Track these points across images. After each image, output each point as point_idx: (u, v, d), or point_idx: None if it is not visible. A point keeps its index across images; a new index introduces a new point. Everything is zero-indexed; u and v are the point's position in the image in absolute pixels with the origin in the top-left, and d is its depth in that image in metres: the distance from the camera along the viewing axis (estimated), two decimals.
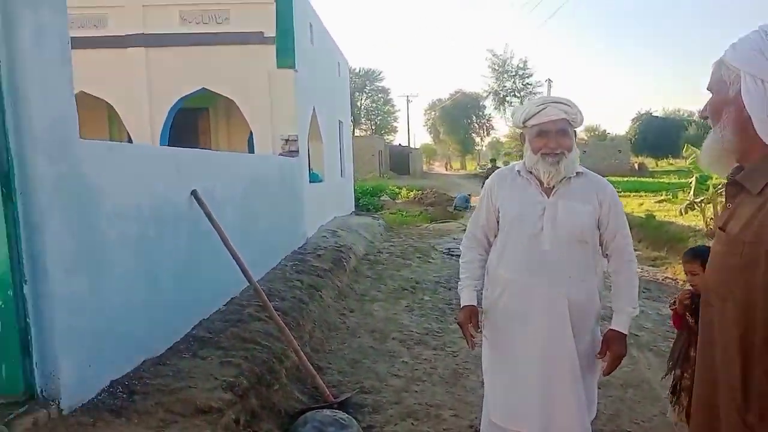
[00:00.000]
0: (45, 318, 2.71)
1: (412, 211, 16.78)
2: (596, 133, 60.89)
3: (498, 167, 14.11)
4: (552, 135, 2.27)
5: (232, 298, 5.02)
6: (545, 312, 2.29)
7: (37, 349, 2.69)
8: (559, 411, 2.30)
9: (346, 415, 3.42)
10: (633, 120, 53.05)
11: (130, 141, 10.08)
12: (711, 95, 1.39)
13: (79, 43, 8.34)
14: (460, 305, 2.54)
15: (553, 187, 2.31)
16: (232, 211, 5.28)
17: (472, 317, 2.44)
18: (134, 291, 3.49)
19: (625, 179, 31.71)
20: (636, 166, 42.81)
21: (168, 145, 9.79)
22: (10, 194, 2.63)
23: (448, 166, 67.28)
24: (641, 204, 16.35)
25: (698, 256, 2.63)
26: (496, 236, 2.48)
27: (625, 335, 2.36)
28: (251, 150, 10.16)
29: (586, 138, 57.53)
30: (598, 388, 4.03)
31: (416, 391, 4.06)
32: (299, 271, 6.36)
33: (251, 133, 9.69)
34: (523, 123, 2.34)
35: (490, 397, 2.53)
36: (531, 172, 2.36)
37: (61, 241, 2.81)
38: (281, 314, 4.52)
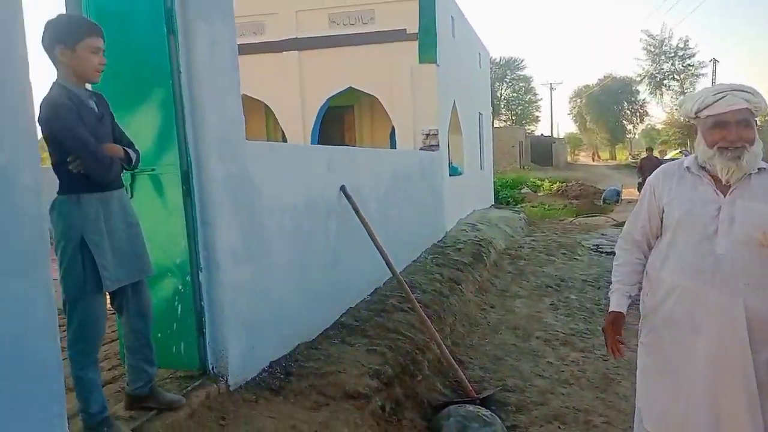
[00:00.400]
0: (216, 302, 3.03)
1: (555, 205, 16.14)
2: None
3: (655, 157, 12.77)
4: (732, 126, 2.03)
5: (376, 289, 5.22)
6: (716, 322, 2.06)
7: (209, 329, 3.03)
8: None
9: (489, 412, 3.41)
10: None
11: (284, 139, 10.86)
12: None
13: (241, 49, 9.14)
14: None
15: (730, 185, 2.07)
16: (376, 205, 5.47)
17: (617, 324, 2.29)
18: (290, 279, 3.76)
19: None
20: None
21: (317, 142, 10.40)
22: (190, 191, 2.96)
23: (596, 157, 63.47)
24: None
25: None
26: (658, 238, 2.29)
27: None
28: (393, 145, 10.42)
29: (760, 124, 51.23)
30: None
31: (563, 394, 3.92)
32: (439, 264, 6.43)
33: (393, 128, 9.94)
34: (696, 114, 2.11)
35: (645, 406, 2.36)
36: (704, 168, 2.13)
37: (230, 233, 3.12)
38: (422, 306, 4.61)
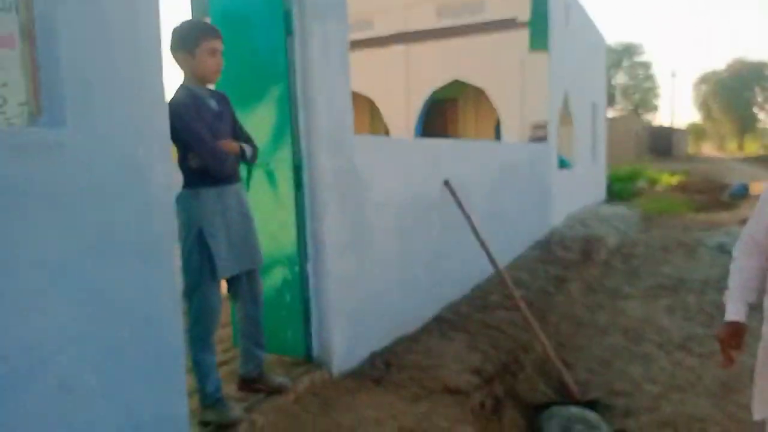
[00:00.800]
0: (322, 292, 3.17)
1: (674, 200, 15.01)
2: None
3: None
4: None
5: (477, 284, 5.17)
6: None
7: (315, 318, 3.17)
8: None
9: (595, 416, 3.28)
10: None
11: (387, 133, 11.03)
12: None
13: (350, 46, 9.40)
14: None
15: None
16: (480, 199, 5.42)
17: (738, 336, 2.11)
18: (392, 273, 3.84)
19: None
20: None
21: (420, 135, 10.45)
22: (300, 185, 3.11)
23: (722, 148, 58.35)
24: None
25: None
26: None
27: None
28: (498, 137, 10.24)
29: None
30: None
31: (676, 400, 3.69)
32: (544, 261, 6.25)
33: (498, 120, 9.76)
34: None
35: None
36: None
37: (337, 226, 3.24)
38: (526, 304, 4.51)
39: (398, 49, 10.55)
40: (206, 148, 2.44)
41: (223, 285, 2.65)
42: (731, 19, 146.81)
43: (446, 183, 4.70)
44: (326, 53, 3.17)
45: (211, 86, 2.67)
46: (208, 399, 2.49)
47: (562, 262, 6.35)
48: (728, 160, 34.76)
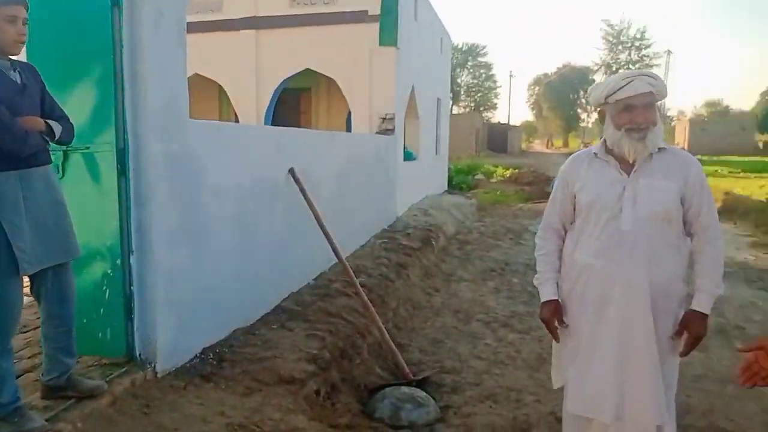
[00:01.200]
0: (147, 286, 2.98)
1: (507, 191, 16.41)
2: (718, 108, 55.99)
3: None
4: (639, 109, 2.17)
5: (321, 273, 5.22)
6: (623, 295, 2.19)
7: (138, 315, 2.97)
8: (633, 397, 2.20)
9: (424, 394, 3.49)
10: (761, 95, 48.08)
11: (236, 120, 10.66)
12: None
13: (195, 27, 8.87)
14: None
15: (633, 165, 2.22)
16: (326, 189, 5.46)
17: (558, 313, 2.39)
18: (230, 264, 3.73)
19: (747, 159, 29.11)
20: (761, 144, 38.93)
21: (271, 125, 10.25)
22: (124, 170, 2.89)
23: (549, 144, 64.76)
24: (762, 186, 14.89)
25: None
26: (572, 223, 2.40)
27: (706, 315, 2.22)
28: (349, 128, 10.38)
29: (705, 114, 53.10)
30: (693, 381, 3.86)
31: (498, 374, 4.04)
32: (387, 249, 6.48)
33: (350, 112, 9.89)
34: (605, 99, 2.24)
35: (567, 387, 2.47)
36: (610, 152, 2.27)
37: (166, 215, 3.06)
38: (367, 290, 4.66)
39: (249, 34, 10.21)
40: (0, 125, 2.17)
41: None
42: (562, 26, 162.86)
43: (291, 171, 4.67)
44: (158, 28, 2.96)
45: (15, 57, 2.38)
46: (3, 410, 2.23)
47: (404, 250, 6.63)
48: (554, 155, 38.62)
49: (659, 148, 2.22)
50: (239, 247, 3.86)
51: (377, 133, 8.79)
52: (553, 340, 2.48)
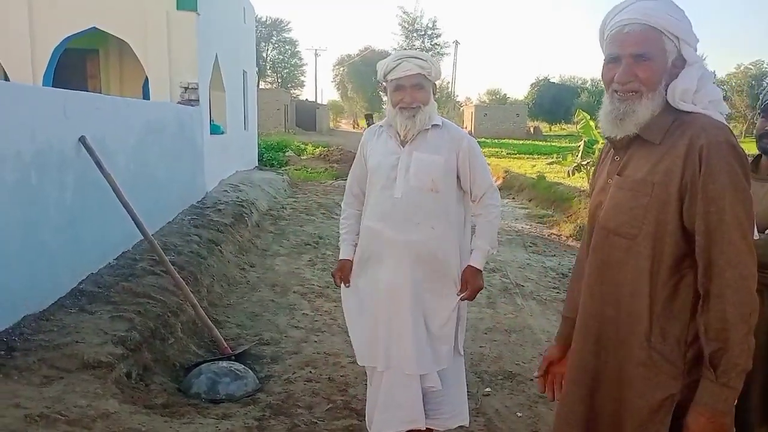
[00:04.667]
0: None
1: (317, 168, 16.66)
2: (498, 96, 63.01)
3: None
4: (408, 90, 2.32)
5: (124, 252, 4.81)
6: (392, 256, 2.39)
7: None
8: (398, 349, 2.40)
9: (243, 366, 3.44)
10: (532, 85, 55.24)
11: (6, 80, 9.15)
12: (646, 62, 1.43)
13: None
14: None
15: (411, 138, 2.41)
16: (124, 160, 5.00)
17: (344, 270, 2.56)
18: (12, 242, 3.25)
19: (521, 142, 33.28)
20: (531, 129, 44.87)
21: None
22: None
23: (356, 124, 67.02)
24: (534, 166, 17.25)
25: None
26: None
27: (480, 270, 2.46)
28: (146, 97, 9.55)
29: (488, 101, 59.48)
30: (485, 333, 4.38)
31: (315, 341, 4.15)
32: (197, 226, 6.18)
33: (147, 78, 9.11)
34: (384, 78, 2.40)
35: (353, 342, 2.61)
36: (391, 126, 2.45)
37: None
38: (177, 268, 4.41)
39: None
40: None
41: None
42: (364, 9, 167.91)
43: (82, 140, 4.19)
44: None
45: None
46: None
47: (216, 226, 6.38)
48: (360, 135, 40.07)
49: (434, 125, 2.41)
50: (22, 224, 3.38)
51: (180, 103, 8.25)
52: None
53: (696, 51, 1.48)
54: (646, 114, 1.46)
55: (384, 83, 2.44)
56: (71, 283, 3.90)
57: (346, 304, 2.60)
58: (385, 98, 2.72)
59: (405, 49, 53.59)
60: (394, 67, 2.33)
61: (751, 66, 48.00)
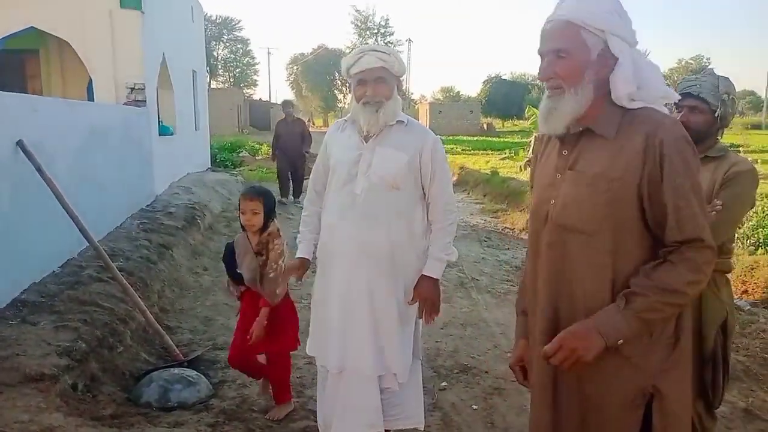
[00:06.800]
0: None
1: (272, 168, 16.44)
2: (451, 94, 63.71)
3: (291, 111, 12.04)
4: (370, 84, 2.27)
5: (69, 260, 4.63)
6: (347, 254, 2.34)
7: None
8: (353, 350, 2.36)
9: (195, 372, 3.38)
10: (484, 82, 56.08)
11: None
12: (564, 58, 1.43)
13: None
14: None
15: (375, 134, 2.35)
16: (66, 164, 4.82)
17: (301, 269, 2.50)
18: None
19: (475, 138, 33.76)
20: (485, 126, 45.56)
21: None
22: None
23: (311, 123, 66.58)
24: (488, 162, 17.50)
25: (261, 194, 2.94)
26: None
27: (436, 280, 2.39)
28: (91, 98, 9.24)
29: (442, 99, 60.06)
30: (441, 328, 4.41)
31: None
32: (147, 230, 6.02)
33: (91, 79, 8.80)
34: (348, 73, 2.35)
35: (310, 334, 2.60)
36: (356, 121, 2.39)
37: None
38: (126, 275, 4.28)
39: None
40: None
41: None
42: (316, 7, 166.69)
43: (20, 144, 4.01)
44: None
45: None
46: None
47: (167, 229, 6.23)
48: (315, 134, 39.83)
49: (398, 121, 2.35)
50: None
51: (125, 104, 8.00)
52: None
53: (632, 43, 1.46)
54: (570, 110, 1.45)
55: (348, 79, 2.38)
56: (12, 293, 3.74)
57: (315, 298, 2.54)
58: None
59: (359, 46, 53.62)
60: (355, 61, 2.27)
61: (691, 61, 50.03)
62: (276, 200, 3.14)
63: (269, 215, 2.93)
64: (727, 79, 2.23)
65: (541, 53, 1.49)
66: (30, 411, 2.50)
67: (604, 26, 1.42)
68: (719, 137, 2.30)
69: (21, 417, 2.43)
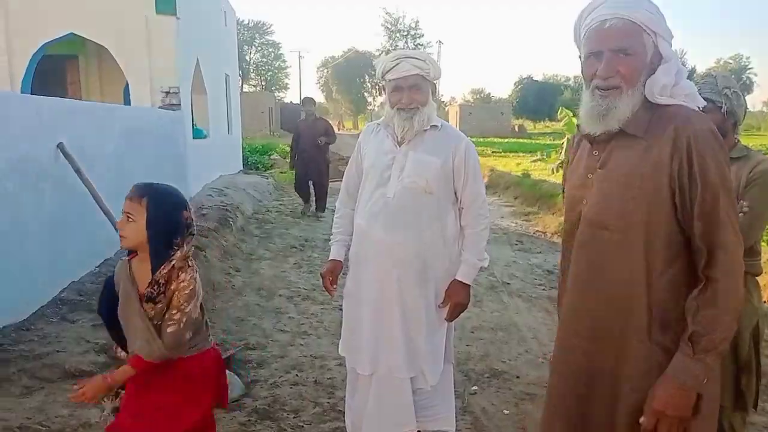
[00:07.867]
0: None
1: None
2: (482, 95, 63.33)
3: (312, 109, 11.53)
4: (405, 91, 2.28)
5: (106, 259, 4.75)
6: (378, 256, 2.34)
7: None
8: (386, 353, 2.36)
9: (228, 371, 3.41)
10: (515, 84, 55.59)
11: None
12: (629, 57, 1.43)
13: None
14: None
15: (409, 139, 2.36)
16: (104, 166, 4.95)
17: (334, 272, 2.50)
18: None
19: (506, 140, 33.47)
20: (516, 127, 45.16)
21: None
22: None
23: (341, 126, 66.92)
24: (519, 164, 17.31)
25: (145, 193, 1.78)
26: None
27: (468, 285, 2.40)
28: (127, 102, 9.47)
29: (472, 100, 59.73)
30: (471, 331, 4.38)
31: (302, 345, 4.12)
32: None
33: (127, 84, 9.02)
34: (383, 77, 2.36)
35: (342, 334, 2.60)
36: (389, 125, 2.41)
37: None
38: None
39: None
40: None
41: None
42: (346, 10, 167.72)
43: (60, 147, 4.14)
44: None
45: None
46: None
47: (200, 230, 6.32)
48: (346, 136, 40.04)
49: (432, 125, 2.35)
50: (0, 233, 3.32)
51: (160, 108, 8.18)
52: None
53: (671, 46, 1.48)
54: (627, 110, 1.46)
55: (382, 82, 2.40)
56: (52, 292, 3.85)
57: (346, 300, 2.55)
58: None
59: (389, 50, 53.73)
60: (392, 67, 2.28)
61: (730, 60, 48.69)
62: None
63: (160, 228, 1.78)
64: (724, 75, 2.27)
65: (597, 51, 1.47)
66: (70, 406, 2.56)
67: (656, 29, 1.44)
68: (737, 137, 2.30)
69: (61, 412, 2.50)
